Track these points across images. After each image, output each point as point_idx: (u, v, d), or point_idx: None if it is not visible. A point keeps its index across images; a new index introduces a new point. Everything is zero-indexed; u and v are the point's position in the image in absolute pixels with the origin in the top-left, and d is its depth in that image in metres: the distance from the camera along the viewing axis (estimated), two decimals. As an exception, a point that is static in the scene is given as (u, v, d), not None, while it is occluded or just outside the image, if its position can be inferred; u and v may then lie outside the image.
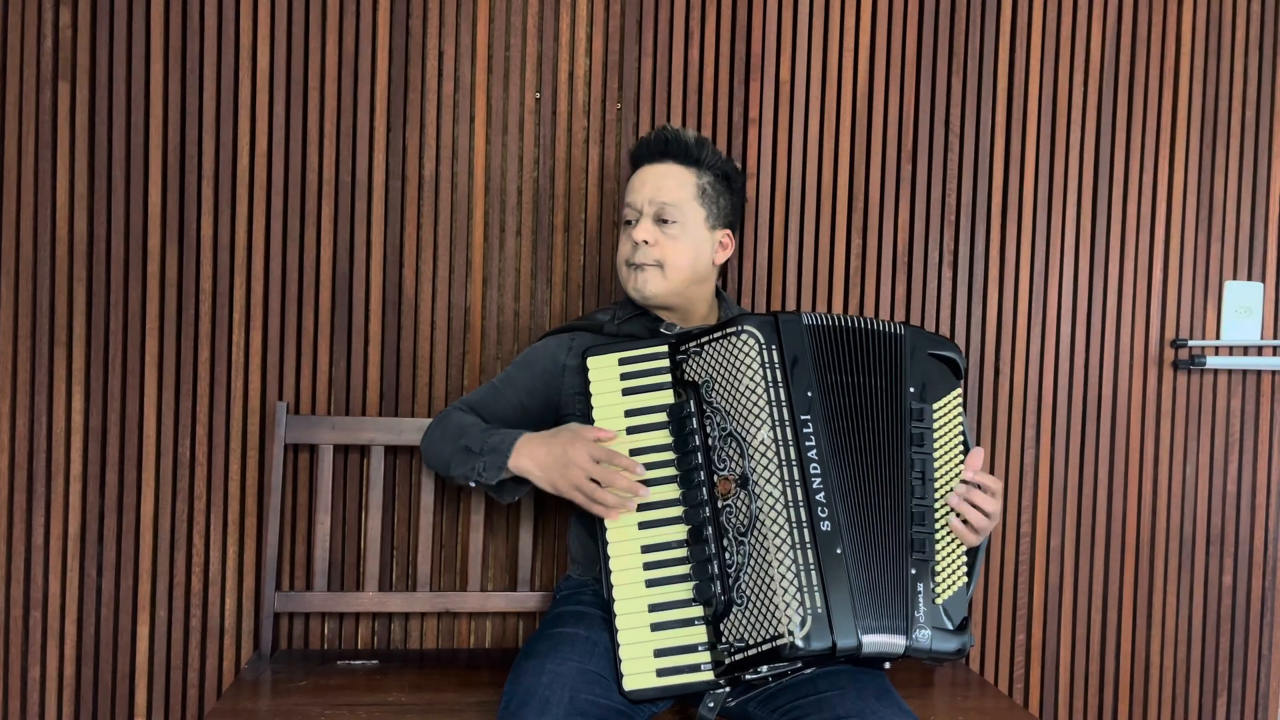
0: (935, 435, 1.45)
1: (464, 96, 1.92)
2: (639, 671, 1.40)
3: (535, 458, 1.51)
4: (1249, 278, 2.14)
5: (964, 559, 1.44)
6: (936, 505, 1.43)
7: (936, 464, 1.44)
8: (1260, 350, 2.15)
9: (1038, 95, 2.07)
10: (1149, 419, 2.12)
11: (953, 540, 1.43)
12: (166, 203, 1.85)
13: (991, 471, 2.08)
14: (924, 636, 1.36)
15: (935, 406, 1.46)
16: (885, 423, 1.44)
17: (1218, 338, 2.13)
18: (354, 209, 1.90)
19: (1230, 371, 2.14)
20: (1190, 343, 2.10)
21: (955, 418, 1.48)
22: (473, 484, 1.59)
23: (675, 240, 1.64)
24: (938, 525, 1.42)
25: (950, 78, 2.05)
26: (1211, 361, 2.08)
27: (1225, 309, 2.13)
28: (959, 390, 1.49)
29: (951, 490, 1.44)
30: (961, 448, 1.48)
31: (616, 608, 1.43)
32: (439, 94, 1.92)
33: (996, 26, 2.06)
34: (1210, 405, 2.14)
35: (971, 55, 2.05)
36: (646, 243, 1.63)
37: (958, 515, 1.43)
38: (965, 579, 1.43)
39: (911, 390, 1.46)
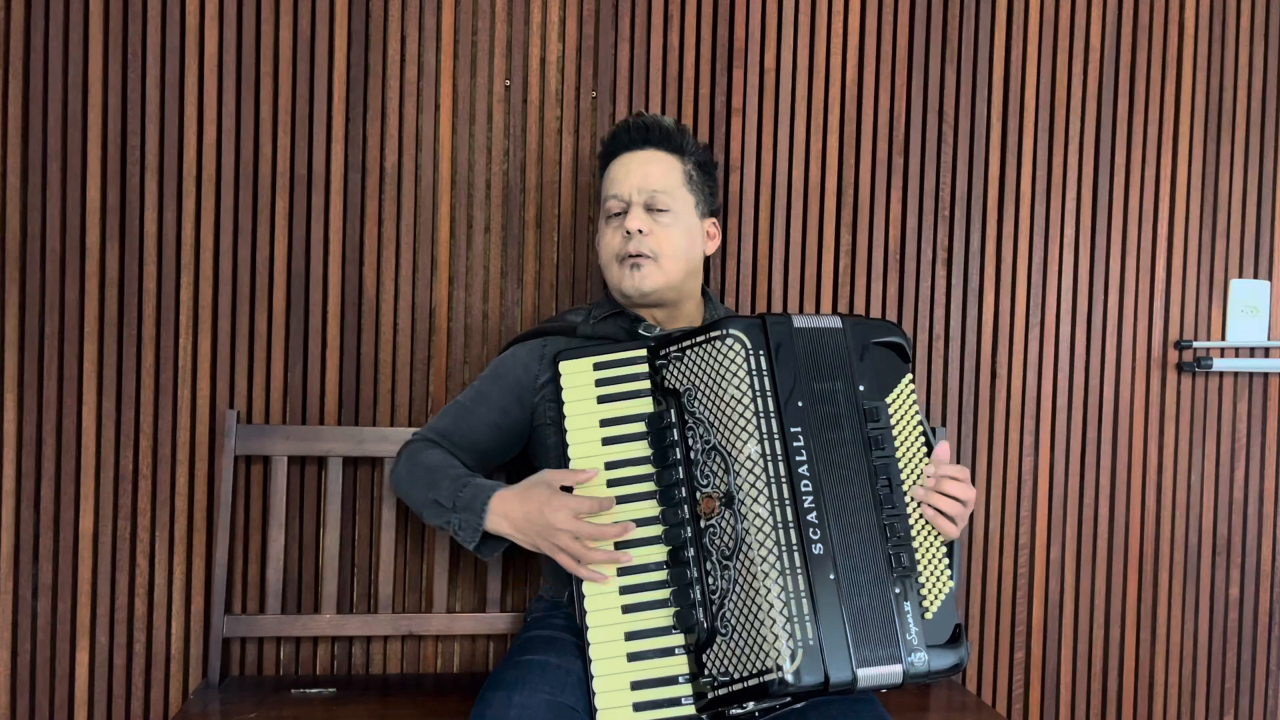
0: (894, 432, 1.35)
1: (428, 83, 1.82)
2: (614, 705, 1.30)
3: (511, 519, 1.42)
4: (1255, 276, 2.07)
5: (946, 561, 1.33)
6: (908, 511, 1.33)
7: (901, 464, 1.34)
8: (1267, 351, 2.07)
9: (1035, 85, 2.00)
10: (1152, 424, 2.04)
11: (931, 546, 1.33)
12: (106, 197, 1.75)
13: (988, 479, 2.00)
14: (920, 659, 1.27)
15: (889, 400, 1.36)
16: (850, 430, 1.33)
17: (1223, 338, 2.05)
18: (310, 204, 1.80)
19: (1236, 374, 2.06)
20: (1195, 344, 2.02)
21: (911, 408, 1.37)
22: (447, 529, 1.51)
23: (669, 229, 1.55)
24: (913, 533, 1.32)
25: (944, 66, 1.97)
26: (1217, 364, 2.00)
27: (1231, 308, 2.05)
28: (910, 376, 1.39)
29: (916, 483, 1.34)
30: (923, 439, 1.37)
31: (590, 635, 1.33)
32: (401, 81, 1.82)
33: (992, 12, 1.98)
34: (1216, 409, 2.06)
35: (966, 42, 1.98)
36: (641, 232, 1.53)
37: (932, 507, 1.33)
38: (950, 584, 1.32)
39: (861, 389, 1.35)
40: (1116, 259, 2.03)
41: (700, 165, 1.61)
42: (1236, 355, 2.06)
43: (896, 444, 1.34)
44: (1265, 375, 2.07)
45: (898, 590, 1.28)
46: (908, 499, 1.33)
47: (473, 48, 1.83)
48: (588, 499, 1.35)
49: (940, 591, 1.31)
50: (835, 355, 1.35)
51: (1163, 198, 2.04)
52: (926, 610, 1.29)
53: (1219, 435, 2.07)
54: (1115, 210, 2.02)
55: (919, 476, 1.35)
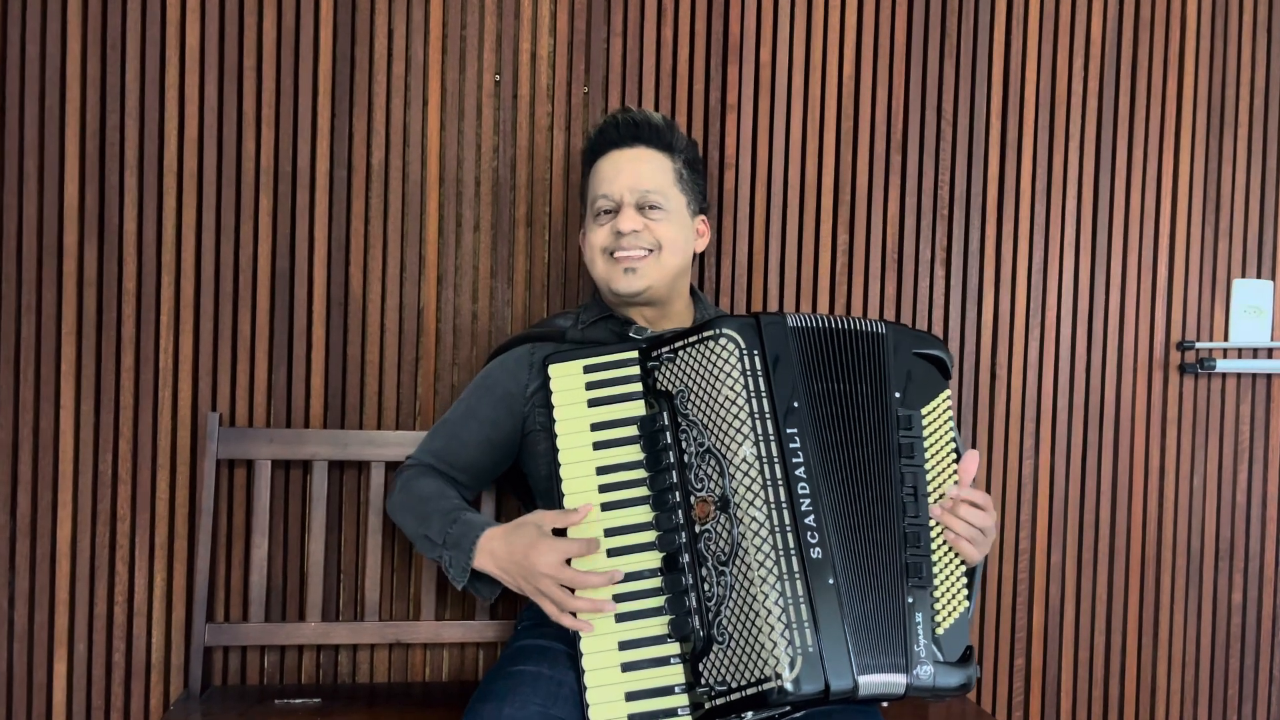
0: (925, 444, 1.32)
1: (416, 78, 1.78)
2: (609, 718, 1.26)
3: (497, 559, 1.38)
4: (1258, 275, 2.04)
5: (964, 581, 1.30)
6: (931, 523, 1.29)
7: (929, 476, 1.31)
8: (1270, 352, 2.03)
9: (1035, 81, 1.96)
10: (1154, 426, 2.01)
11: (951, 562, 1.30)
12: (85, 195, 1.71)
13: (988, 483, 1.96)
14: (926, 673, 1.23)
15: (924, 412, 1.33)
16: (872, 434, 1.30)
17: (1225, 339, 2.01)
18: (295, 201, 1.76)
19: (1239, 375, 2.03)
20: (1197, 345, 1.98)
21: (945, 423, 1.35)
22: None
23: (662, 223, 1.52)
24: (934, 546, 1.29)
25: (943, 62, 1.93)
26: (1220, 365, 1.96)
27: (1234, 309, 2.02)
28: (948, 392, 1.36)
29: (937, 502, 1.31)
30: (954, 456, 1.34)
31: (583, 645, 1.29)
32: (388, 75, 1.77)
33: (992, 8, 1.95)
34: (1219, 411, 2.03)
35: (965, 37, 1.94)
36: (635, 232, 1.49)
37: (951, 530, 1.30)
38: (966, 604, 1.29)
39: (897, 395, 1.32)
40: (1118, 258, 1.99)
41: (689, 163, 1.57)
42: (1239, 356, 2.03)
43: (927, 456, 1.31)
44: (1269, 377, 2.04)
45: (910, 600, 1.25)
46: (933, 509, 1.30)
47: (461, 42, 1.79)
48: (575, 542, 1.30)
49: (955, 610, 1.27)
50: (858, 357, 1.32)
51: (1164, 196, 2.00)
52: (938, 625, 1.25)
53: (1221, 438, 2.03)
54: (1116, 209, 1.99)
55: (940, 496, 1.31)
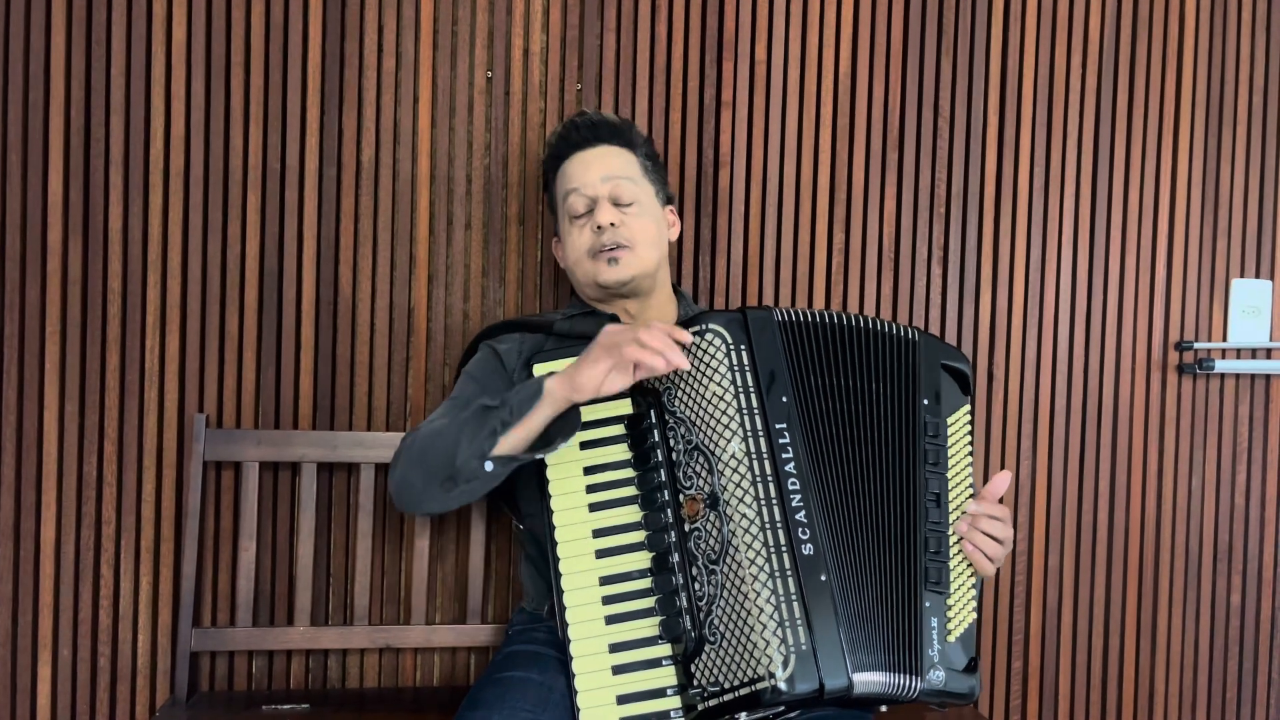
0: (948, 453, 1.31)
1: (407, 74, 1.76)
2: (600, 721, 1.23)
3: (568, 369, 1.26)
4: (1257, 275, 2.02)
5: (974, 592, 1.30)
6: (950, 532, 1.29)
7: (950, 485, 1.30)
8: (1269, 353, 2.01)
9: (1033, 78, 1.94)
10: (1152, 427, 1.99)
11: (965, 571, 1.29)
12: (69, 192, 1.68)
13: (985, 485, 1.93)
14: (938, 677, 1.22)
15: (949, 421, 1.32)
16: (891, 435, 1.29)
17: (1224, 339, 2.00)
18: (283, 199, 1.74)
19: (1238, 376, 2.01)
20: (1195, 345, 1.96)
21: (964, 436, 1.34)
22: (489, 465, 1.28)
23: (639, 218, 1.52)
24: (952, 554, 1.28)
25: (940, 59, 1.91)
26: (1219, 365, 1.94)
27: (1232, 309, 2.00)
28: (968, 407, 1.36)
29: (959, 517, 1.30)
30: (970, 468, 1.34)
31: (573, 649, 1.27)
32: (379, 71, 1.75)
33: (989, 4, 1.93)
34: (1217, 412, 2.01)
35: (962, 34, 1.92)
36: (614, 225, 1.48)
37: (971, 543, 1.30)
38: (974, 614, 1.29)
39: (925, 403, 1.31)
40: (1116, 257, 1.98)
41: (650, 156, 1.59)
42: (1238, 357, 2.01)
43: (949, 465, 1.31)
44: (1268, 377, 2.02)
45: (928, 604, 1.24)
46: (953, 519, 1.29)
47: (453, 38, 1.77)
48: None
49: (965, 619, 1.27)
50: (876, 358, 1.32)
51: (1163, 194, 1.99)
52: (950, 633, 1.25)
53: (1220, 439, 2.01)
54: (1115, 207, 1.97)
55: (961, 511, 1.31)
